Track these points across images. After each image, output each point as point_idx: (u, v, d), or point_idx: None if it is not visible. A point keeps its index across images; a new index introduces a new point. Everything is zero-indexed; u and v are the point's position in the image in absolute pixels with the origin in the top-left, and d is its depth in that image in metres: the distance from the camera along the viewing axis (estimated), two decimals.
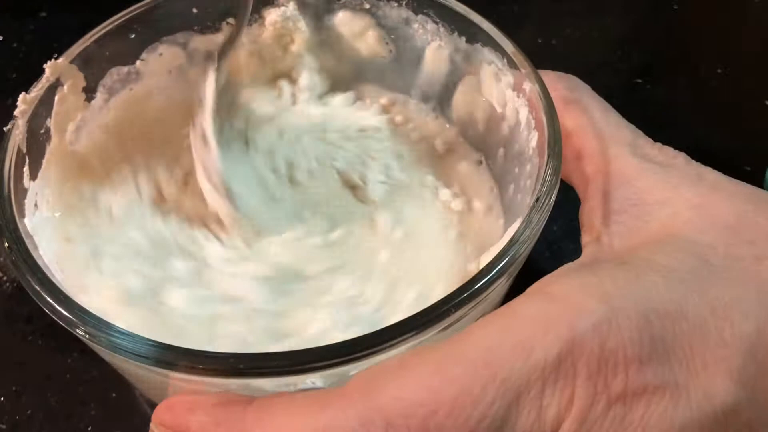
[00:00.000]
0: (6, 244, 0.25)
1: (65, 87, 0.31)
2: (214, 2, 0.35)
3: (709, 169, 0.27)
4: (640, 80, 0.49)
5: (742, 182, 0.27)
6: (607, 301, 0.22)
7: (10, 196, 0.26)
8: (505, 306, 0.22)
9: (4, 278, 0.37)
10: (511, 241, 0.25)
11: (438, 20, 0.34)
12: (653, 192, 0.26)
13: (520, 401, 0.20)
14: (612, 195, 0.27)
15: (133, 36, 0.33)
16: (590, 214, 0.27)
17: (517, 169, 0.32)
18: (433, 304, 0.23)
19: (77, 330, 0.23)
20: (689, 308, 0.22)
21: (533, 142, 0.29)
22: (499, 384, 0.20)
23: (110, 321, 0.23)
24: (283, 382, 0.23)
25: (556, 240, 0.39)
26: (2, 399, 0.33)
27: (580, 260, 0.26)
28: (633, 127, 0.29)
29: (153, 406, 0.25)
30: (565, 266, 0.25)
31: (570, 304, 0.22)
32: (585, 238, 0.27)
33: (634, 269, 0.23)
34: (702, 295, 0.23)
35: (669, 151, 0.28)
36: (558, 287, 0.23)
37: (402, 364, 0.21)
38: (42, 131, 0.30)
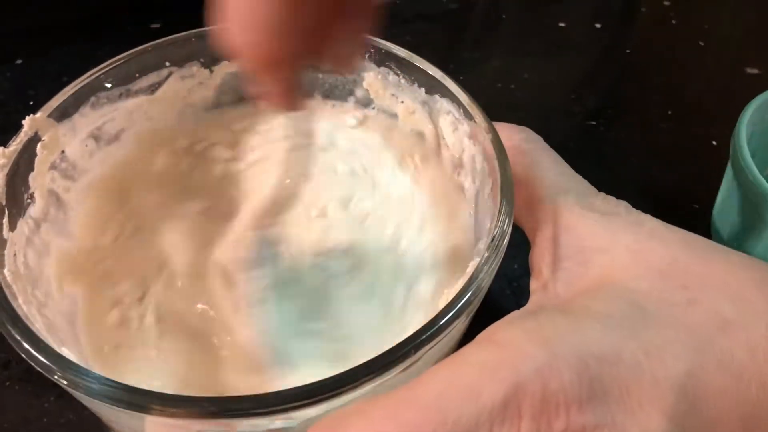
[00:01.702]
0: None
1: (45, 139, 0.31)
2: (186, 55, 0.36)
3: (648, 216, 0.28)
4: (594, 122, 0.50)
5: (679, 229, 0.28)
6: (549, 347, 0.22)
7: None
8: (455, 354, 0.23)
9: None
10: (469, 280, 0.26)
11: (399, 72, 0.35)
12: (595, 239, 0.27)
13: None
14: (558, 241, 0.28)
15: (109, 87, 0.34)
16: (539, 259, 0.28)
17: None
18: (396, 345, 0.23)
19: (55, 376, 0.24)
20: (625, 352, 0.23)
21: (488, 189, 0.30)
22: (450, 427, 0.21)
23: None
24: (253, 423, 0.23)
25: (515, 278, 0.39)
26: None
27: (526, 308, 0.27)
28: (580, 177, 0.30)
29: None
30: (512, 314, 0.26)
31: (514, 350, 0.22)
32: (533, 284, 0.28)
33: (573, 316, 0.24)
34: (636, 339, 0.23)
35: (611, 200, 0.29)
36: (503, 335, 0.23)
37: (359, 410, 0.22)
38: (20, 183, 0.30)
